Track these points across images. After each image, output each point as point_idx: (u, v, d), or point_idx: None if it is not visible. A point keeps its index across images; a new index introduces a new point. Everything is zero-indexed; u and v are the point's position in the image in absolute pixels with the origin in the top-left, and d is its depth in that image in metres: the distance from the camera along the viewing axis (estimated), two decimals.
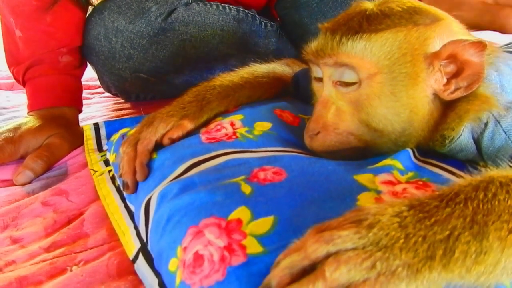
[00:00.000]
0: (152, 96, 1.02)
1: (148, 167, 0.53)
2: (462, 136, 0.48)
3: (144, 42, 0.89)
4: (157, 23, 0.89)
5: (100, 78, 0.99)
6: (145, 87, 0.96)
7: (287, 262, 0.30)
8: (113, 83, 0.97)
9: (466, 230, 0.30)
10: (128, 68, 0.91)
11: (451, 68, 0.47)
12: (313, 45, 0.50)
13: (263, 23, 1.05)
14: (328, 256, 0.29)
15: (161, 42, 0.91)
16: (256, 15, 1.04)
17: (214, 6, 0.97)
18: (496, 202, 0.32)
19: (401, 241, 0.29)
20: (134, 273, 0.47)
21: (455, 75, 0.47)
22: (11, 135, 0.74)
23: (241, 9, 1.01)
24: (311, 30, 1.00)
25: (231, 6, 1.00)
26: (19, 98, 1.10)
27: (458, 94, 0.47)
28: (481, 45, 0.45)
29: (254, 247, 0.36)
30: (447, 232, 0.30)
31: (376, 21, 0.47)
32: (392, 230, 0.30)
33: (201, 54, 0.95)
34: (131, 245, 0.50)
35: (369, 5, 0.49)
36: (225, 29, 0.97)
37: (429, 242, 0.29)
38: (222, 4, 0.99)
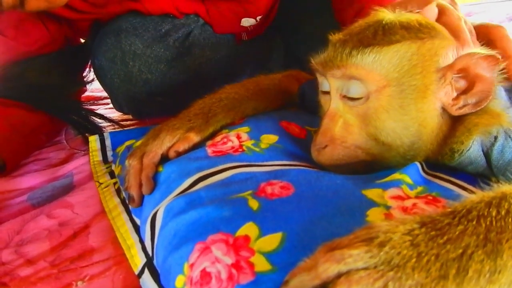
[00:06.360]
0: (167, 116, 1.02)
1: (154, 180, 0.53)
2: (472, 149, 0.48)
3: (162, 66, 0.88)
4: (175, 47, 0.88)
5: (113, 99, 0.98)
6: (160, 109, 0.94)
7: (297, 282, 0.29)
8: (127, 105, 0.96)
9: (480, 248, 0.29)
10: (144, 92, 0.89)
11: (462, 84, 0.46)
12: (322, 55, 0.49)
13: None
14: (339, 275, 0.29)
15: (179, 67, 0.89)
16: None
17: None
18: (510, 219, 0.31)
19: (413, 260, 0.29)
20: None
21: (465, 91, 0.46)
22: None
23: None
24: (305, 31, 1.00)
25: None
26: None
27: (465, 110, 0.46)
28: (494, 59, 0.44)
29: (262, 265, 0.35)
30: (460, 251, 0.29)
31: (392, 30, 0.46)
32: (404, 248, 0.29)
33: (216, 75, 0.94)
34: (137, 260, 0.50)
35: (387, 15, 0.48)
36: (239, 49, 0.97)
37: (442, 261, 0.29)
38: None
